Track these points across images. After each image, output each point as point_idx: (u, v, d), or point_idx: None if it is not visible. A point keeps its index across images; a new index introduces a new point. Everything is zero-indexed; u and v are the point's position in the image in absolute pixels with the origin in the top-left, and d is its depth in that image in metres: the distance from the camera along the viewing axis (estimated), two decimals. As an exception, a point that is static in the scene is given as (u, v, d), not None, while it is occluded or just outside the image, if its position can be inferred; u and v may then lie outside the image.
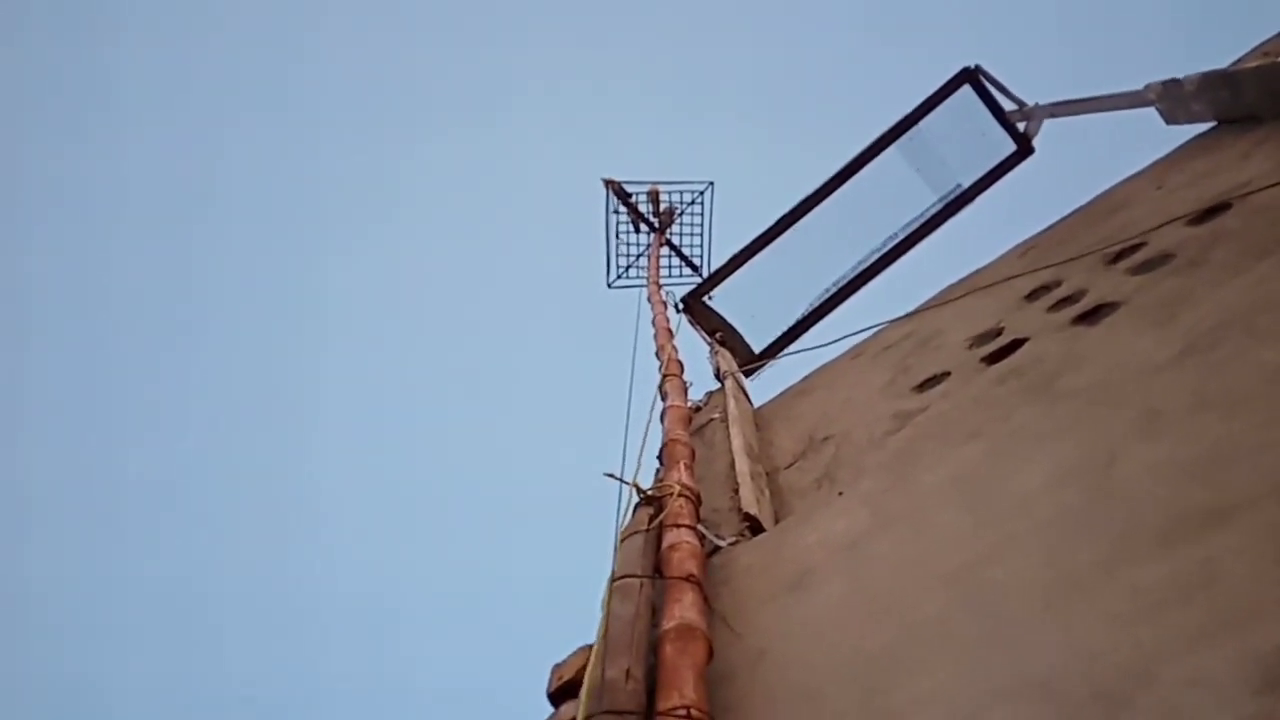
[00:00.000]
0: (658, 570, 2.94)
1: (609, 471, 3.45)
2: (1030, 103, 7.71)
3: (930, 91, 8.25)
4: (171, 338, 35.45)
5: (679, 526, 3.11)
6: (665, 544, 3.03)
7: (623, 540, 3.18)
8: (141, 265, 35.20)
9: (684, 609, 2.54)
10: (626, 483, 3.47)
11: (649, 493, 3.48)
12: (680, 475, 3.65)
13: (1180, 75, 5.39)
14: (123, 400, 34.49)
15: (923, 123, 8.18)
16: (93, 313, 34.89)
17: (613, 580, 2.77)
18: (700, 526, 3.38)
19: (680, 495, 3.37)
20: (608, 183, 13.23)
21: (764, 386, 7.55)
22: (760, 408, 6.07)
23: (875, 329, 5.73)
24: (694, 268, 13.54)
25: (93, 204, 35.08)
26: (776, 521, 3.96)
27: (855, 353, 5.86)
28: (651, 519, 3.25)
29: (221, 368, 35.83)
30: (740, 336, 8.70)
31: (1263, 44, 5.08)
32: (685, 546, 2.95)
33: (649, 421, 4.42)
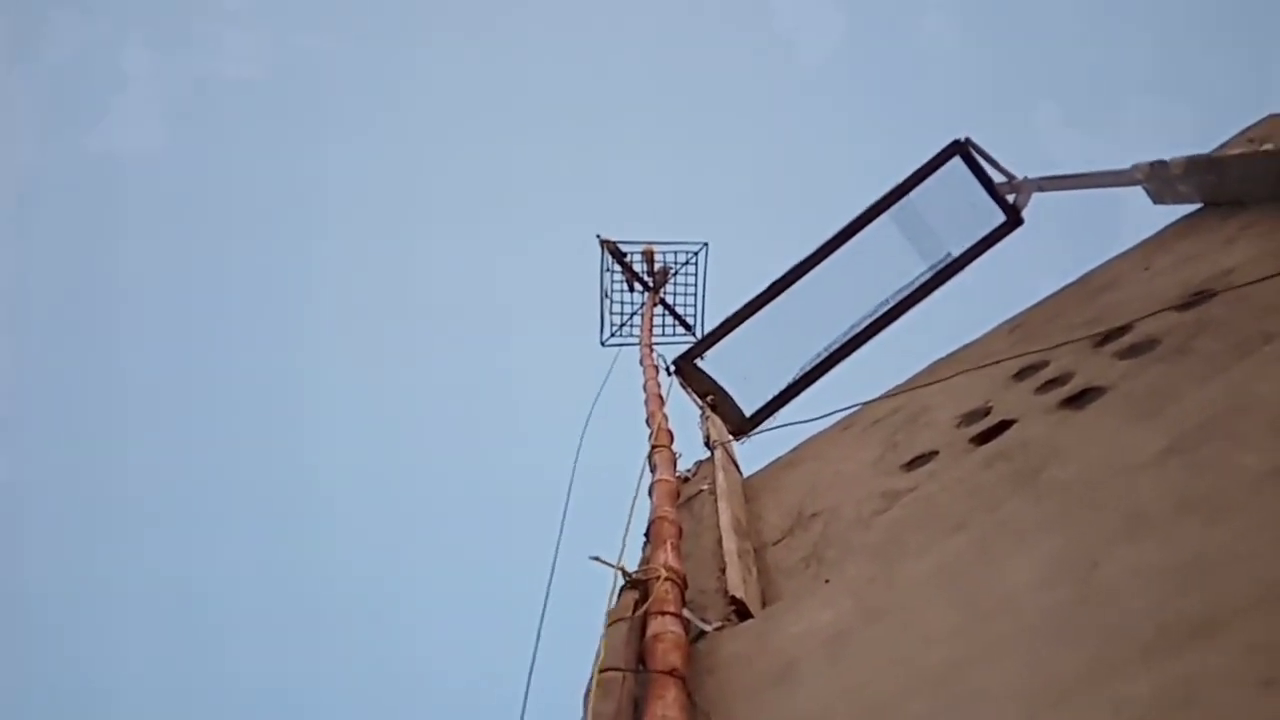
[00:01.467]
0: (641, 660, 2.91)
1: (595, 555, 3.44)
2: (1019, 175, 7.81)
3: (922, 160, 8.39)
4: (171, 337, 35.69)
5: (663, 614, 3.09)
6: (649, 633, 3.01)
7: (609, 626, 3.16)
8: (140, 264, 35.55)
9: (665, 707, 2.52)
10: (612, 565, 3.45)
11: (634, 575, 3.46)
12: (666, 557, 3.64)
13: (1167, 157, 5.48)
14: (121, 399, 34.65)
15: (913, 192, 8.29)
16: (90, 311, 35.14)
17: (597, 672, 2.74)
18: (686, 611, 3.36)
19: (666, 579, 3.35)
20: (603, 241, 13.35)
21: (755, 450, 7.55)
22: (750, 478, 6.06)
23: (864, 405, 5.75)
24: (687, 327, 13.64)
25: (92, 204, 35.44)
26: (764, 602, 3.94)
27: (845, 424, 5.87)
28: (636, 605, 3.23)
29: (220, 368, 36.03)
30: (732, 400, 8.71)
31: (1247, 130, 5.17)
32: (669, 637, 2.93)
33: (635, 498, 4.42)
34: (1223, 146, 5.28)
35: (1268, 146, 4.65)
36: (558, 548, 4.15)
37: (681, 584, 3.46)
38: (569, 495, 4.72)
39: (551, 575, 3.74)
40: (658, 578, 3.37)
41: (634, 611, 3.17)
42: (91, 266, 35.14)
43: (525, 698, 3.09)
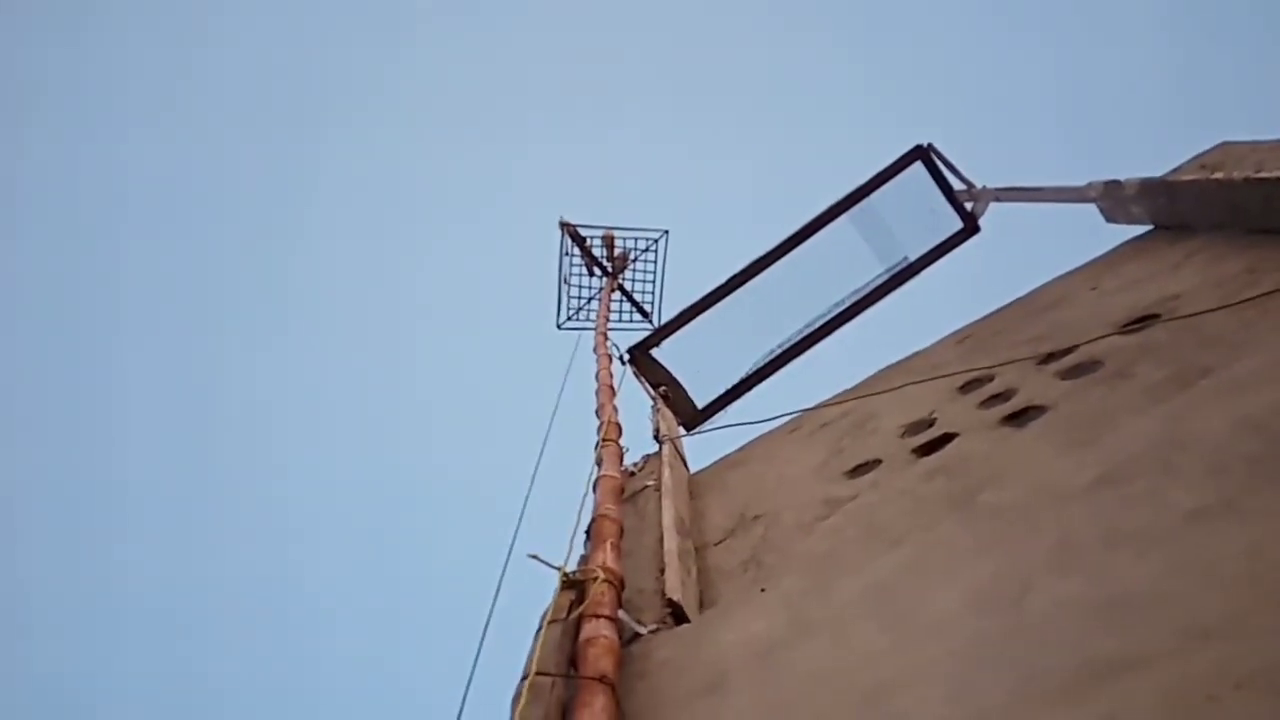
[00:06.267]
0: (574, 664, 2.90)
1: (533, 553, 3.42)
2: (979, 184, 7.87)
3: (885, 164, 8.42)
4: (166, 337, 35.34)
5: (598, 618, 3.08)
6: (582, 636, 2.99)
7: (544, 628, 3.15)
8: (138, 264, 35.16)
9: (593, 715, 2.51)
10: (552, 566, 3.43)
11: (571, 576, 3.44)
12: (605, 557, 3.62)
13: (1122, 177, 5.55)
14: (121, 397, 34.28)
15: (874, 194, 8.32)
16: (89, 311, 34.75)
17: (527, 676, 2.73)
18: (622, 612, 3.35)
19: (603, 581, 3.34)
20: (564, 225, 13.25)
21: (705, 443, 7.56)
22: (696, 474, 6.07)
23: (813, 408, 5.78)
24: (645, 314, 13.60)
25: (91, 202, 35.01)
26: (701, 604, 3.94)
27: (793, 426, 5.90)
28: (572, 606, 3.21)
29: (214, 366, 35.78)
30: (685, 391, 8.71)
31: (1200, 155, 5.25)
32: (602, 641, 2.92)
33: (585, 495, 4.39)
34: (1175, 171, 5.36)
35: (1219, 174, 4.72)
36: (512, 546, 4.09)
37: (619, 585, 3.45)
38: (529, 493, 4.67)
39: (503, 574, 3.70)
40: (594, 579, 3.35)
41: (569, 614, 3.15)
42: (89, 266, 34.72)
43: (464, 699, 3.06)
